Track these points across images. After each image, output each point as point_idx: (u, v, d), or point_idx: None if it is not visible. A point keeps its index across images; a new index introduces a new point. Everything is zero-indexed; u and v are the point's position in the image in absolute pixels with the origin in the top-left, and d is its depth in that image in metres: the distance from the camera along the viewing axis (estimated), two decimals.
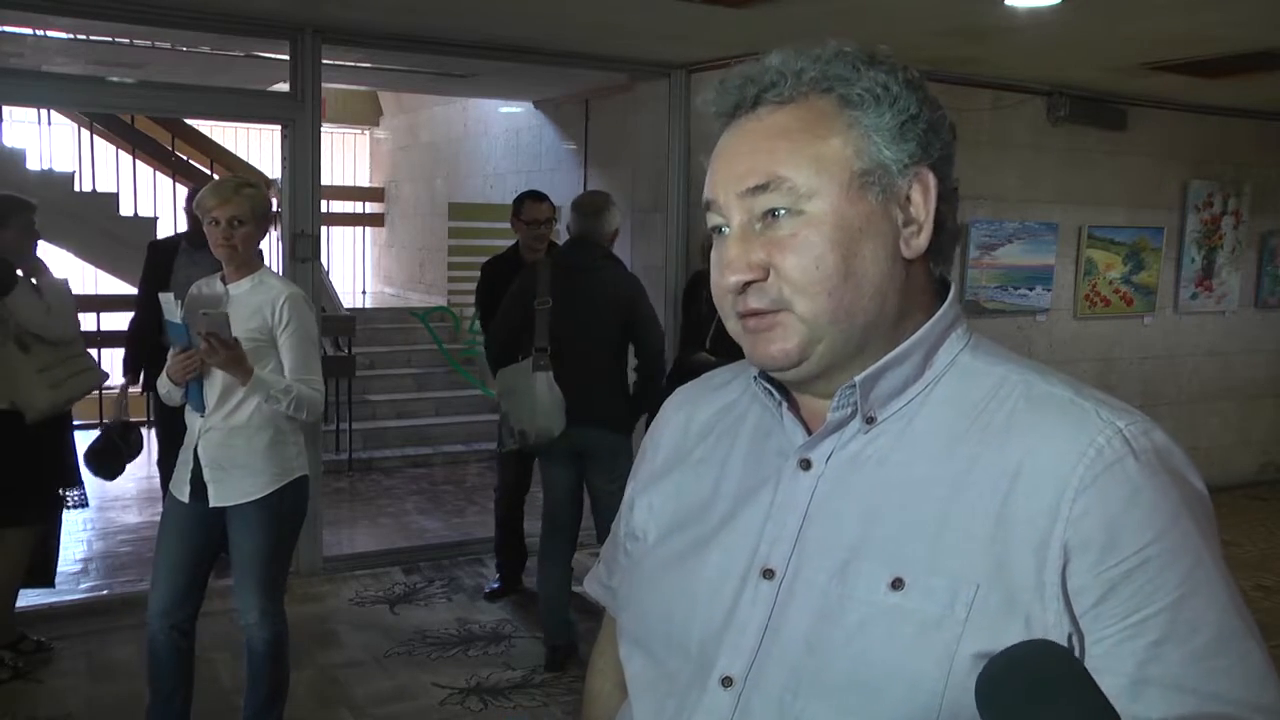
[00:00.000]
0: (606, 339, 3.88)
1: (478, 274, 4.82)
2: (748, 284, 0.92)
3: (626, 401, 3.94)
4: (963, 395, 0.93)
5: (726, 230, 0.94)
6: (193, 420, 3.03)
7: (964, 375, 0.94)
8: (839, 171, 0.90)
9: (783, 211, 0.90)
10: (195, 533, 3.03)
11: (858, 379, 0.92)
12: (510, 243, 4.76)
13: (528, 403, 3.78)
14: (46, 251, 4.27)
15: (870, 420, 0.93)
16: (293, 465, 3.06)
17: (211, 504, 2.98)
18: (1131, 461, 0.84)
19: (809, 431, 0.97)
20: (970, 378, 0.94)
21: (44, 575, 4.09)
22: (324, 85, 4.83)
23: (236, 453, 2.98)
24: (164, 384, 3.10)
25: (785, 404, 0.98)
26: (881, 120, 0.91)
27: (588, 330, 3.83)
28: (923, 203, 0.93)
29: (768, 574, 0.93)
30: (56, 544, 4.14)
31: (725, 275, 0.92)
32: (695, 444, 1.07)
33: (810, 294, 0.90)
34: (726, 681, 0.92)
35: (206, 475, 2.98)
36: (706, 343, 4.32)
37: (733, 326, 0.96)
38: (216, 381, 2.95)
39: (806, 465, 0.95)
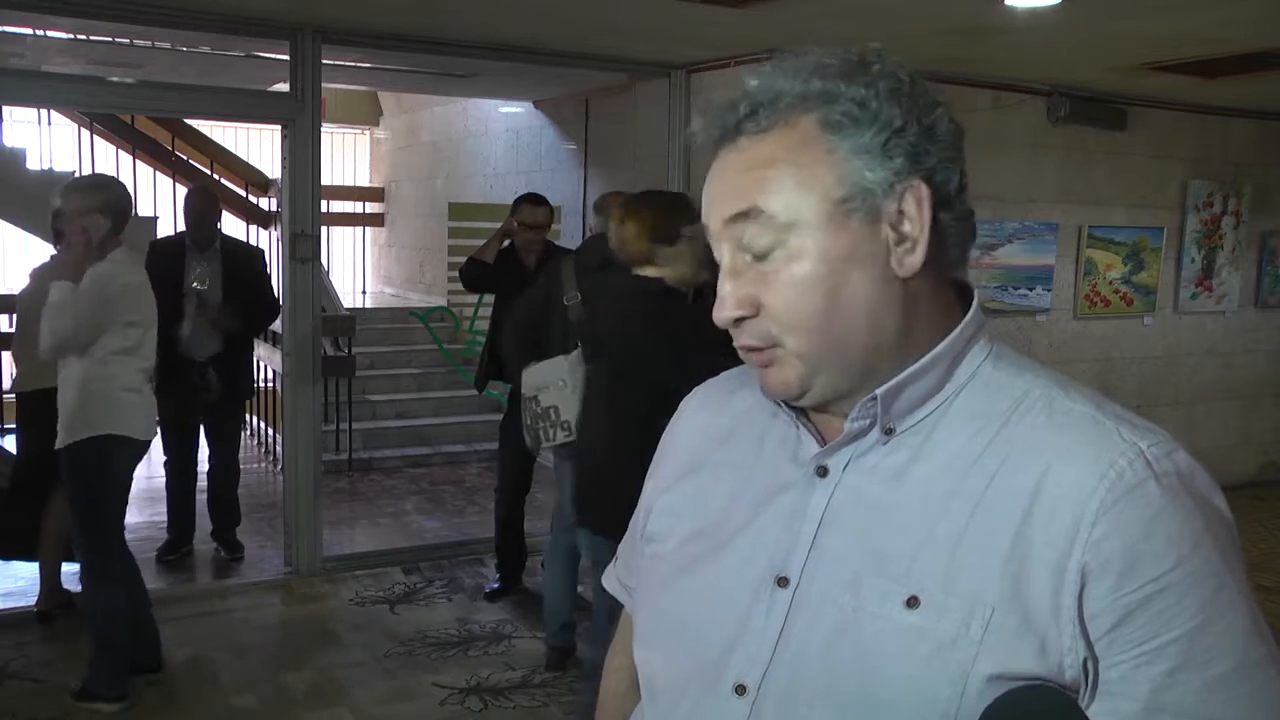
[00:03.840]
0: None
1: None
2: (739, 320, 0.90)
3: None
4: (983, 409, 0.91)
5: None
6: None
7: (985, 387, 0.92)
8: (819, 201, 0.87)
9: (768, 245, 0.88)
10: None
11: (879, 392, 0.90)
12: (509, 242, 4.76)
13: (574, 396, 3.75)
14: (45, 249, 4.29)
15: (889, 432, 0.91)
16: (94, 421, 3.18)
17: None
18: (1153, 485, 0.82)
19: (824, 441, 0.95)
20: (991, 390, 0.92)
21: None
22: (324, 85, 4.83)
23: (61, 402, 3.26)
24: None
25: (800, 413, 0.97)
26: (862, 141, 0.87)
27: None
28: (917, 216, 0.88)
29: (782, 582, 0.92)
30: None
31: (719, 310, 0.91)
32: (715, 448, 1.06)
33: (797, 331, 0.89)
34: (740, 689, 0.91)
35: None
36: None
37: (741, 353, 0.95)
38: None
39: (823, 472, 0.93)
